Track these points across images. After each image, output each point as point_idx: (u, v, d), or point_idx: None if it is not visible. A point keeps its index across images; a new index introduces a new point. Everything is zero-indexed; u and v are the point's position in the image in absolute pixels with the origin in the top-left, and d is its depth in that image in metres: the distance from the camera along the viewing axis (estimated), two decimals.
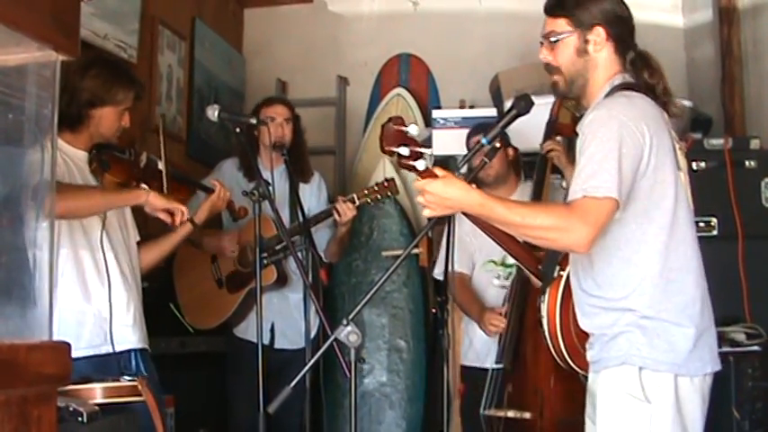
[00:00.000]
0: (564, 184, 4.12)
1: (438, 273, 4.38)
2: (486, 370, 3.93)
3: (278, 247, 3.91)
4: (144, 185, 3.26)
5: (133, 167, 3.36)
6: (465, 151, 4.22)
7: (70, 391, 2.43)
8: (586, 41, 2.58)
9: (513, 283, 3.97)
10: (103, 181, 3.29)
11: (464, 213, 2.57)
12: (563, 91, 2.68)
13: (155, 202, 3.25)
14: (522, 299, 3.85)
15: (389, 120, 2.57)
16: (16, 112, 1.56)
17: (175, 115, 5.32)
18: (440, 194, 2.39)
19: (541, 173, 4.00)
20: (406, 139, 2.53)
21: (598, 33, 2.57)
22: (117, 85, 3.27)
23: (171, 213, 3.30)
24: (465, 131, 4.38)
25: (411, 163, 2.52)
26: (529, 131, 4.42)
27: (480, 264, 4.19)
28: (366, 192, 4.19)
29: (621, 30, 2.59)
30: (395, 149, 2.53)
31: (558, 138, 4.05)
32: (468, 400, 3.80)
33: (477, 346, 4.09)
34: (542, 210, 2.50)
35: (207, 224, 4.05)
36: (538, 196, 3.95)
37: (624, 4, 2.62)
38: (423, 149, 2.53)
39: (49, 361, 1.47)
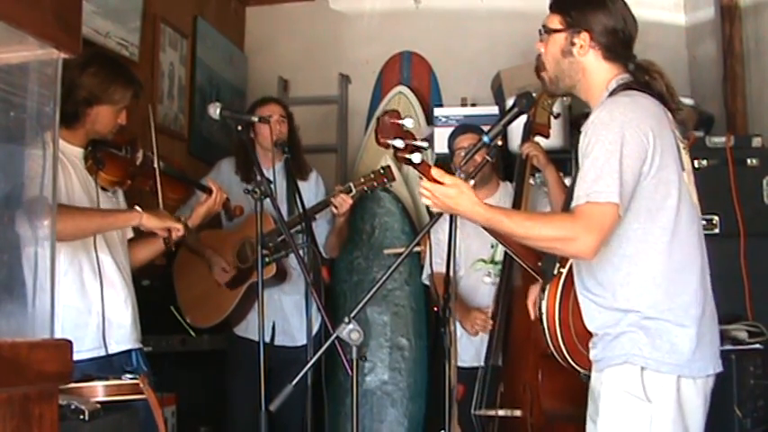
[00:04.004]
0: (545, 189, 4.14)
1: (425, 277, 4.39)
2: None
3: (277, 240, 3.90)
4: (137, 207, 3.24)
5: (129, 165, 3.35)
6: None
7: (72, 389, 2.43)
8: (572, 44, 2.60)
9: (499, 281, 3.98)
10: (98, 179, 3.28)
11: None
12: (550, 88, 2.73)
13: (148, 224, 3.23)
14: (509, 297, 3.86)
15: (385, 113, 2.57)
16: (18, 110, 1.56)
17: (177, 113, 5.32)
18: (449, 204, 2.44)
19: (521, 173, 4.03)
20: (402, 132, 2.54)
21: (584, 38, 2.59)
22: (115, 84, 3.26)
23: (167, 230, 3.29)
24: None
25: (407, 156, 2.53)
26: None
27: (469, 264, 4.21)
28: (363, 180, 4.18)
29: (611, 41, 2.60)
30: (390, 142, 2.53)
31: (537, 138, 4.06)
32: (468, 401, 3.82)
33: (475, 341, 4.10)
34: (546, 221, 2.53)
35: (207, 223, 4.05)
36: (519, 196, 3.99)
37: (625, 19, 2.62)
38: (418, 143, 2.54)
39: (51, 359, 1.47)
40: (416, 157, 2.52)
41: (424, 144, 2.56)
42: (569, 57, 2.61)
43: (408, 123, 2.55)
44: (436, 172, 2.46)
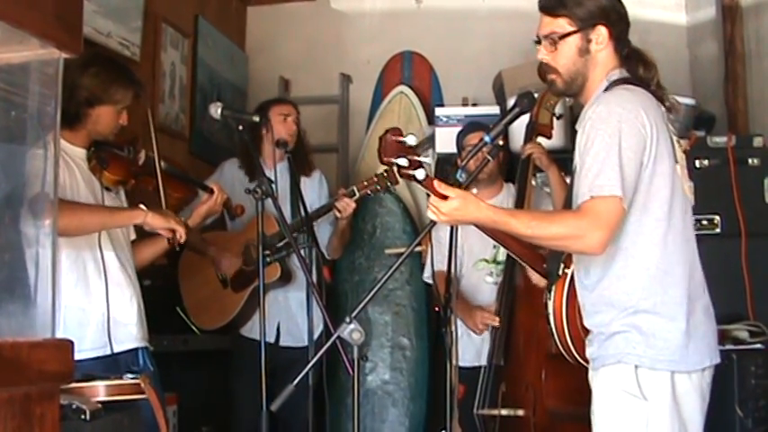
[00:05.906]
0: (547, 189, 4.14)
1: (427, 276, 4.39)
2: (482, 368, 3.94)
3: (280, 244, 3.92)
4: (142, 206, 3.25)
5: (131, 165, 3.37)
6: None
7: (73, 389, 2.43)
8: (588, 40, 2.57)
9: (501, 281, 3.99)
10: (102, 179, 3.29)
11: None
12: (561, 90, 2.67)
13: (153, 222, 3.23)
14: (511, 296, 3.87)
15: (387, 131, 2.58)
16: (19, 110, 1.56)
17: (178, 113, 5.32)
18: (456, 216, 2.45)
19: (524, 174, 4.03)
20: (405, 150, 2.54)
21: (600, 32, 2.56)
22: (116, 85, 3.27)
23: (171, 230, 3.29)
24: None
25: (411, 173, 2.53)
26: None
27: (471, 264, 4.21)
28: (366, 183, 4.19)
29: (622, 27, 2.60)
30: (394, 160, 2.54)
31: (539, 139, 4.06)
32: (468, 401, 3.82)
33: (476, 340, 4.10)
34: (553, 220, 2.53)
35: (210, 225, 4.05)
36: (521, 197, 3.98)
37: (622, 3, 2.62)
38: (422, 159, 2.55)
39: (52, 359, 1.47)
40: (420, 174, 2.52)
41: (428, 159, 2.57)
42: (586, 55, 2.58)
43: (410, 141, 2.55)
44: (440, 186, 2.46)
